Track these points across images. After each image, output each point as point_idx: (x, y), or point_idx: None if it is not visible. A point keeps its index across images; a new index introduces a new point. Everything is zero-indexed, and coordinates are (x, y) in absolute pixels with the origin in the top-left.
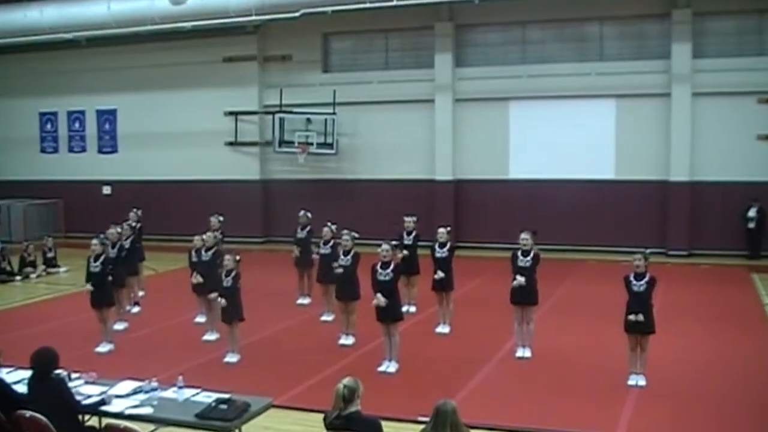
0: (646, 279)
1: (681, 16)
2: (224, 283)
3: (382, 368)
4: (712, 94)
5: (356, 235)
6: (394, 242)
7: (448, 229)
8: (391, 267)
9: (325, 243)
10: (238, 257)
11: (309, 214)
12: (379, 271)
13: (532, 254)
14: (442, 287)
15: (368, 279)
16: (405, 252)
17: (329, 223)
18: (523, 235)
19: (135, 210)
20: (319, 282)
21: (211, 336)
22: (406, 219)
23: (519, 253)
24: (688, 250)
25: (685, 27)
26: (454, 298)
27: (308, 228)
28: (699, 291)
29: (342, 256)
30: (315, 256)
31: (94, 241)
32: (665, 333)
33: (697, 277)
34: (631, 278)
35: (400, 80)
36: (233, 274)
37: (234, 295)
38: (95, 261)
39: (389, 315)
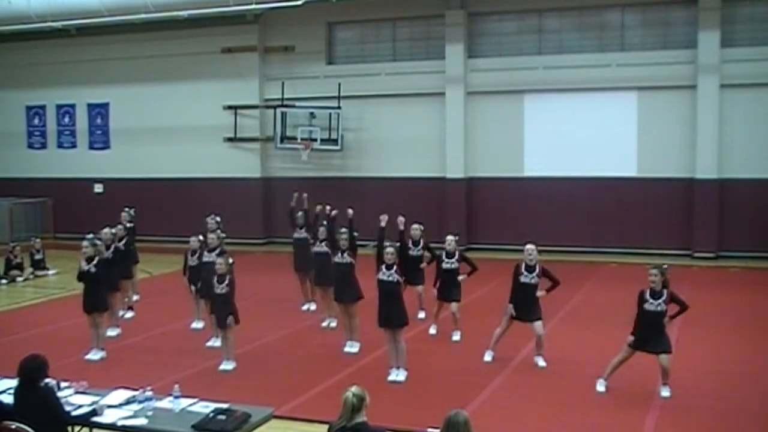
0: (664, 298)
1: (708, 1)
2: (217, 290)
3: (390, 377)
4: (741, 85)
5: (356, 234)
6: (397, 243)
7: (457, 237)
8: (394, 269)
9: (321, 241)
10: (231, 260)
11: None
12: (383, 272)
13: (537, 269)
14: (449, 297)
15: (368, 281)
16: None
17: (325, 221)
18: (529, 247)
19: (127, 209)
20: (317, 285)
21: (216, 342)
22: (413, 227)
23: (523, 267)
24: (716, 252)
25: (712, 14)
26: (463, 305)
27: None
28: (727, 296)
29: (339, 255)
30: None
31: (85, 243)
32: (691, 341)
33: (725, 280)
34: (647, 296)
35: (408, 72)
36: (227, 279)
37: (228, 302)
38: (87, 263)
39: (393, 320)
